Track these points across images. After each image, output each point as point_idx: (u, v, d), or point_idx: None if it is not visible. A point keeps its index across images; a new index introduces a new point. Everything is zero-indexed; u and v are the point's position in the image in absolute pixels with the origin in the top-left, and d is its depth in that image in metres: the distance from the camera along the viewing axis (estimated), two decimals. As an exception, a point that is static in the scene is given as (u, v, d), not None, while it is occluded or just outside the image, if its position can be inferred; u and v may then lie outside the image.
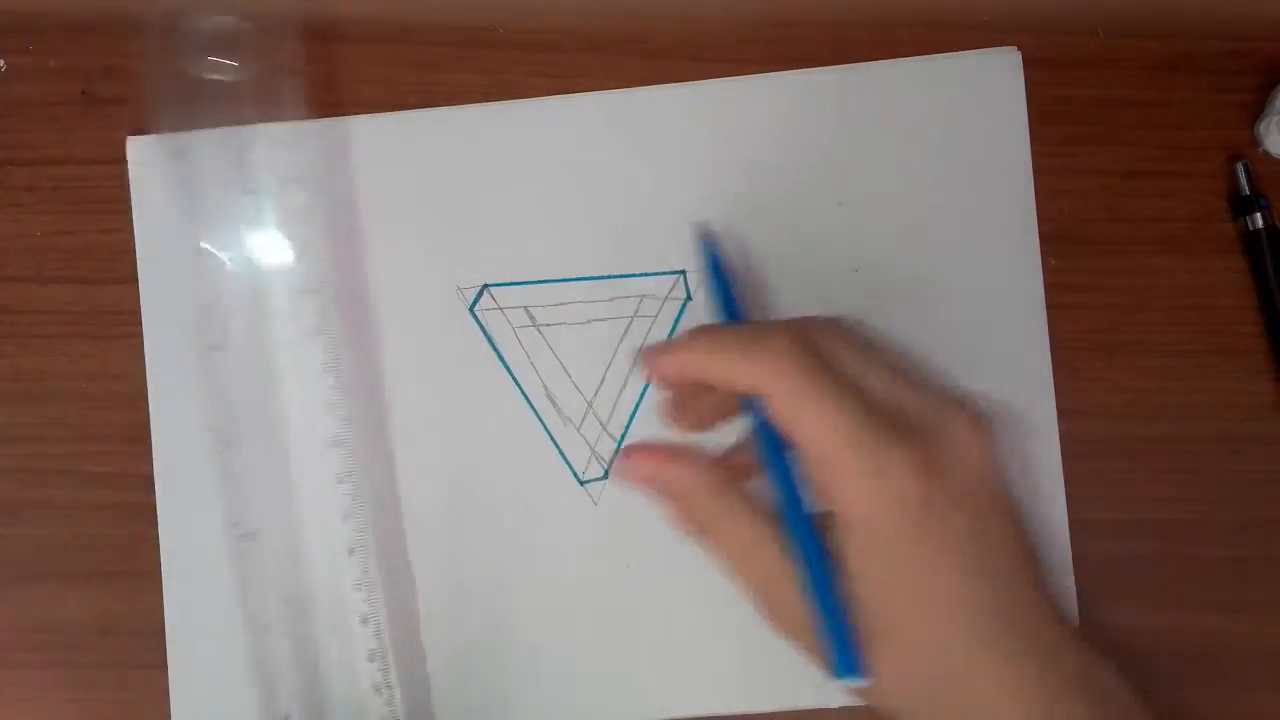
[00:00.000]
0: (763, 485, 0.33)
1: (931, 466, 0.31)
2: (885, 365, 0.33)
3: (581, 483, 0.39)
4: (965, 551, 0.31)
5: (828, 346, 0.32)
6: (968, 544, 0.31)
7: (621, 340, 0.39)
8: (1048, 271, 0.39)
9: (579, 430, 0.39)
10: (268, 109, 0.38)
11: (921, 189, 0.39)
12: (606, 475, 0.39)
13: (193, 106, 0.38)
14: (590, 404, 0.39)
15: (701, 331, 0.34)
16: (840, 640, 0.30)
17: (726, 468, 0.34)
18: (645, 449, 0.34)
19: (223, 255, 0.38)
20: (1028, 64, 0.39)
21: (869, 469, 0.30)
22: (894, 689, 0.31)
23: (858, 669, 0.30)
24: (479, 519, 0.38)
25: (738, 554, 0.33)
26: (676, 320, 0.39)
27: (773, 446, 0.32)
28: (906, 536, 0.30)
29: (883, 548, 0.31)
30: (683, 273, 0.39)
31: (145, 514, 0.39)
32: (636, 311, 0.39)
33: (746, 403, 0.33)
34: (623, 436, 0.39)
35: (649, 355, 0.34)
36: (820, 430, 0.31)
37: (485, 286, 0.39)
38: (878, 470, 0.30)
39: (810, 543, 0.31)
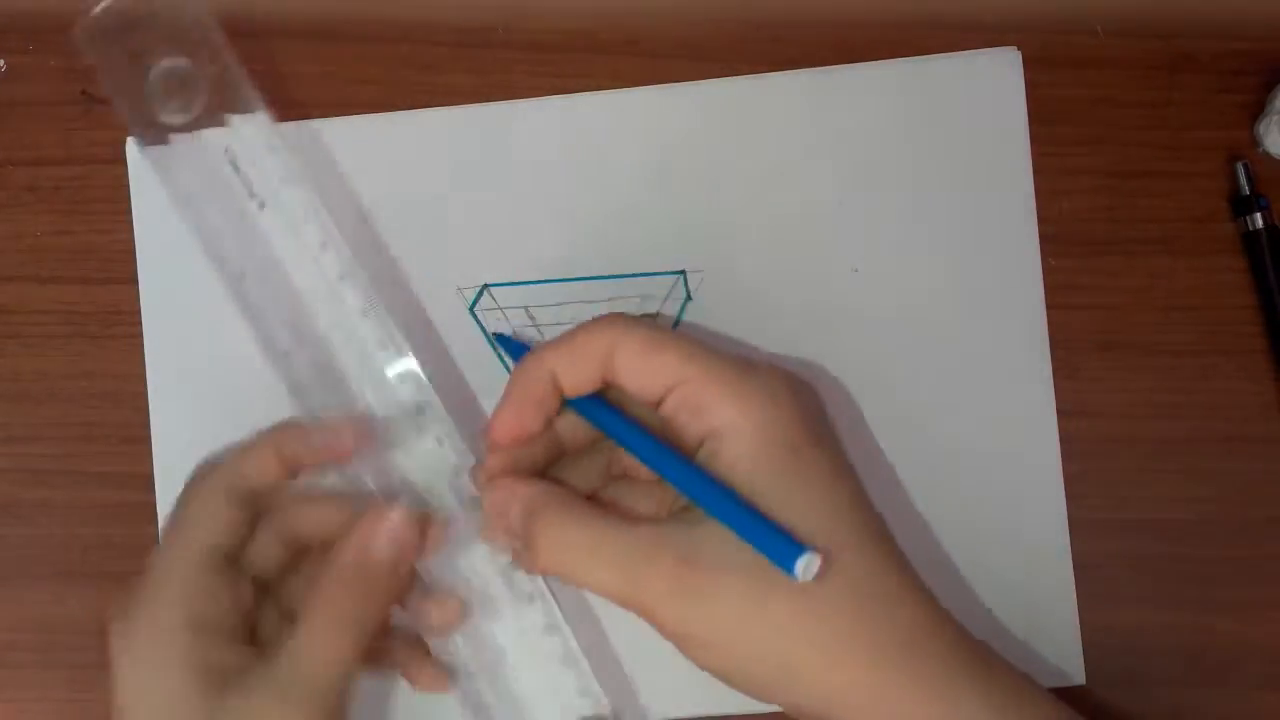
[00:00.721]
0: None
1: (794, 389, 0.32)
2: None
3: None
4: (837, 455, 0.32)
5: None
6: (839, 448, 0.33)
7: (621, 340, 0.39)
8: (1048, 271, 0.39)
9: (579, 430, 0.39)
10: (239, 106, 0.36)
11: (921, 189, 0.39)
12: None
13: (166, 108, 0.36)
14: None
15: (520, 364, 0.33)
16: (774, 535, 0.29)
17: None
18: (506, 480, 0.33)
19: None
20: (1028, 64, 0.39)
21: (748, 383, 0.31)
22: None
23: (801, 548, 0.29)
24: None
25: (594, 557, 0.31)
26: (677, 320, 0.39)
27: (622, 423, 0.33)
28: (791, 440, 0.31)
29: (774, 449, 0.31)
30: (682, 273, 0.39)
31: (145, 514, 0.39)
32: (636, 312, 0.39)
33: (582, 404, 0.33)
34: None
35: (490, 430, 0.33)
36: (688, 362, 0.31)
37: (485, 286, 0.39)
38: (755, 382, 0.31)
39: (702, 477, 0.31)
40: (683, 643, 0.31)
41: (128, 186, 0.40)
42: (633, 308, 0.39)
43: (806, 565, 0.29)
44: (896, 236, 0.39)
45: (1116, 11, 0.40)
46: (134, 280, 0.39)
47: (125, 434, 0.39)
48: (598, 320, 0.33)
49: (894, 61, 0.40)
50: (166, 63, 0.35)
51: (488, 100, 0.40)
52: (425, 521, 0.33)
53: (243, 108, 0.35)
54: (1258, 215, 0.39)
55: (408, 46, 0.40)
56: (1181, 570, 0.38)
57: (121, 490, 0.39)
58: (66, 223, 0.40)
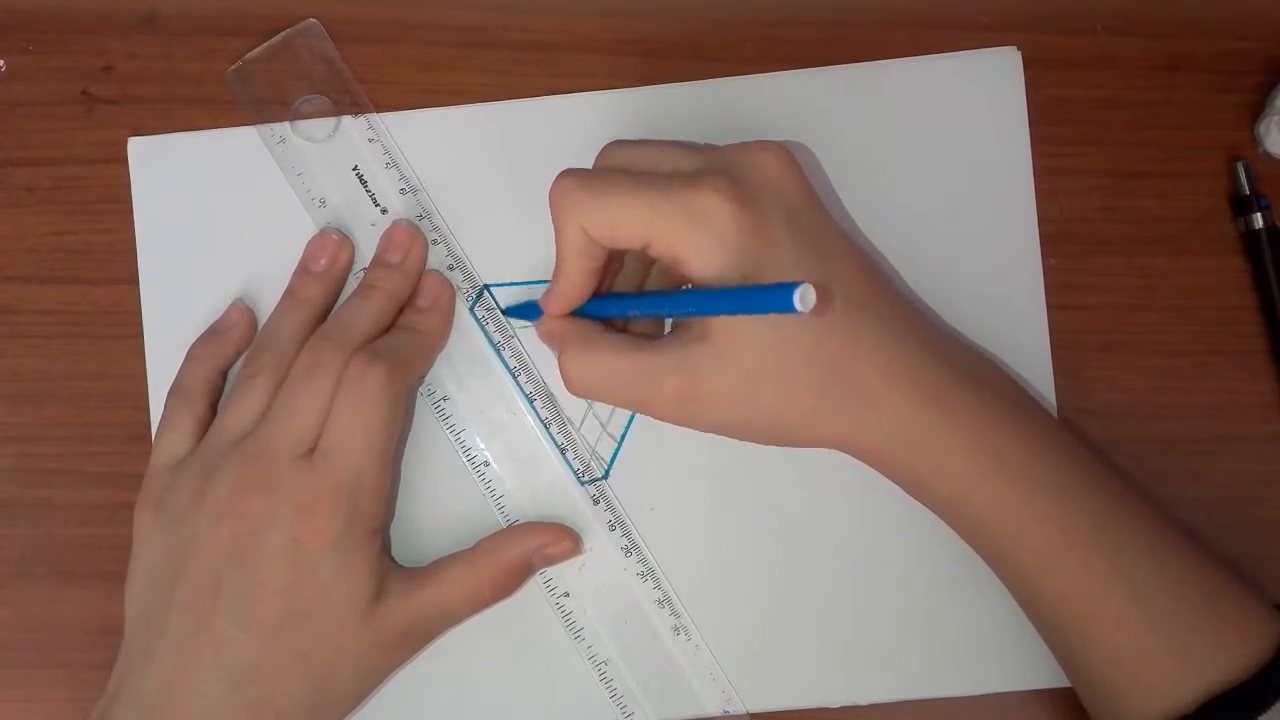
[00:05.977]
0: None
1: (737, 183, 0.33)
2: (684, 145, 0.35)
3: (581, 483, 0.39)
4: (799, 239, 0.33)
5: (620, 159, 0.35)
6: (797, 233, 0.33)
7: (621, 340, 0.39)
8: (1048, 271, 0.39)
9: (579, 430, 0.39)
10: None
11: (922, 189, 0.39)
12: (607, 476, 0.39)
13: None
14: (590, 404, 0.39)
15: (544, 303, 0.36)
16: (762, 291, 0.31)
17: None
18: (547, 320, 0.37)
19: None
20: (1028, 64, 0.40)
21: (684, 213, 0.32)
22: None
23: (790, 285, 0.29)
24: (477, 519, 0.38)
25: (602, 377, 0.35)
26: (676, 320, 0.39)
27: (604, 303, 0.36)
28: (745, 272, 0.32)
29: (737, 259, 0.32)
30: (683, 273, 0.39)
31: (145, 514, 0.39)
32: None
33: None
34: (623, 437, 0.39)
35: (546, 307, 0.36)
36: (626, 219, 0.33)
37: (485, 286, 0.39)
38: (690, 209, 0.32)
39: (685, 297, 0.34)
40: (686, 427, 0.35)
41: (128, 186, 0.40)
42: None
43: (802, 296, 0.29)
44: (896, 236, 0.39)
45: (1116, 11, 0.40)
46: (134, 280, 0.39)
47: (125, 434, 0.39)
48: (558, 219, 0.34)
49: (894, 61, 0.40)
50: (305, 97, 0.39)
51: (488, 100, 0.40)
52: (564, 533, 0.37)
53: (366, 127, 0.40)
54: (1257, 215, 0.39)
55: (408, 46, 0.40)
56: (1181, 570, 0.38)
57: (121, 490, 0.39)
58: (66, 223, 0.40)
